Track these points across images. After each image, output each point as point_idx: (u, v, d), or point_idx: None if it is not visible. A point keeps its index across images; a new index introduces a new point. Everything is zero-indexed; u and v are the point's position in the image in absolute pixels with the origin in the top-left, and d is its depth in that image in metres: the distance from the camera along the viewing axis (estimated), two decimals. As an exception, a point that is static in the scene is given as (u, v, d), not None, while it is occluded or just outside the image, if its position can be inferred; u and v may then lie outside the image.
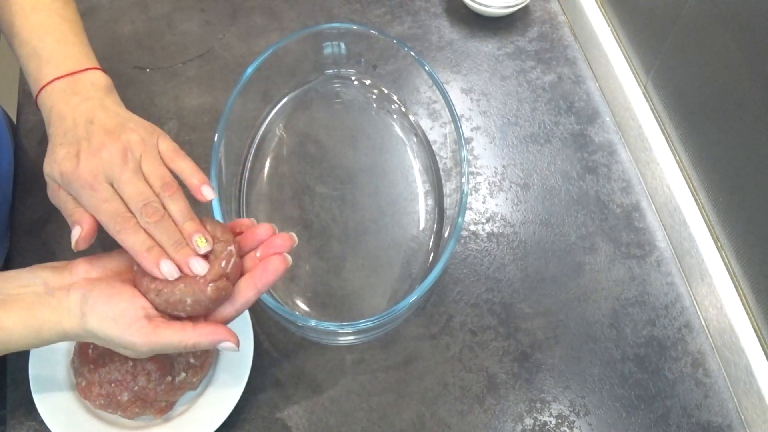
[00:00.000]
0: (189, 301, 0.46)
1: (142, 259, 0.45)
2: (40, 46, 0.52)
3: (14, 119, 0.77)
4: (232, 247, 0.48)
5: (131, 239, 0.45)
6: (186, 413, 0.57)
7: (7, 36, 0.54)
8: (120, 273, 0.48)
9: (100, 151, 0.47)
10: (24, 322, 0.45)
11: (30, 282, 0.46)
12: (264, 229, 0.50)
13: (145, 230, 0.46)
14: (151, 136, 0.50)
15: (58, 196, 0.49)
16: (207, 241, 0.46)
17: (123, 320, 0.44)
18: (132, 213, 0.46)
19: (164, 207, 0.47)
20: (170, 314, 0.46)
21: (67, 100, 0.50)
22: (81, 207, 0.48)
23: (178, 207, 0.47)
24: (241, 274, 0.48)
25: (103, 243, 0.64)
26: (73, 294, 0.45)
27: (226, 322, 0.48)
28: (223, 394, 0.58)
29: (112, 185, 0.47)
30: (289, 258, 0.48)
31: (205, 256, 0.47)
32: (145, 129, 0.50)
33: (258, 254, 0.49)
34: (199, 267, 0.46)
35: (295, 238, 0.50)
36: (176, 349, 0.45)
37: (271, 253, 0.48)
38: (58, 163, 0.47)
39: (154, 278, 0.46)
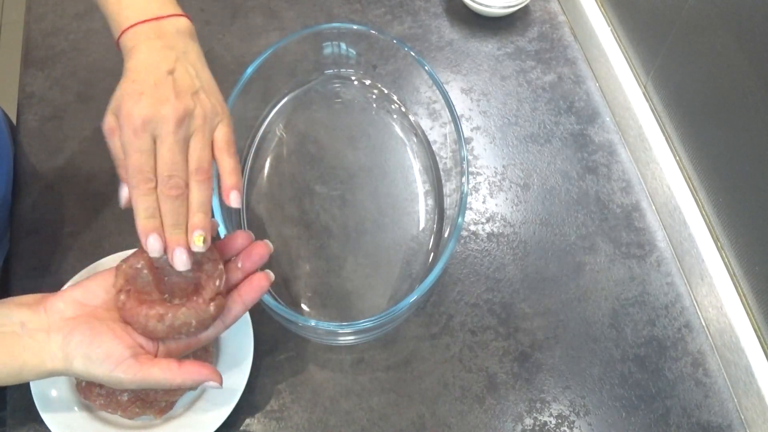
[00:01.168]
0: (194, 322, 0.46)
1: (138, 221, 0.45)
2: None
3: (14, 120, 0.77)
4: (221, 266, 0.48)
5: (140, 199, 0.45)
6: (186, 413, 0.57)
7: None
8: (95, 309, 0.47)
9: (163, 104, 0.46)
10: (4, 364, 0.44)
11: (5, 321, 0.45)
12: (242, 239, 0.51)
13: (157, 198, 0.45)
14: (214, 116, 0.49)
15: (112, 138, 0.47)
16: (205, 243, 0.46)
17: (109, 361, 0.44)
18: (155, 176, 0.45)
19: (188, 189, 0.46)
20: (166, 337, 0.47)
21: (151, 43, 0.49)
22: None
23: (200, 196, 0.46)
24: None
25: (100, 238, 0.64)
26: (53, 337, 0.44)
27: (216, 335, 0.49)
28: (223, 394, 0.58)
29: (155, 141, 0.46)
30: (272, 275, 0.50)
31: (199, 265, 0.47)
32: (213, 106, 0.49)
33: (239, 265, 0.50)
34: (181, 261, 0.45)
35: (271, 246, 0.51)
36: (163, 386, 0.46)
37: (250, 263, 0.50)
38: (121, 96, 0.46)
39: (153, 305, 0.46)
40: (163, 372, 0.45)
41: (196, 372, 0.46)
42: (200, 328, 0.47)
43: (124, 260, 0.48)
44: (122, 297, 0.46)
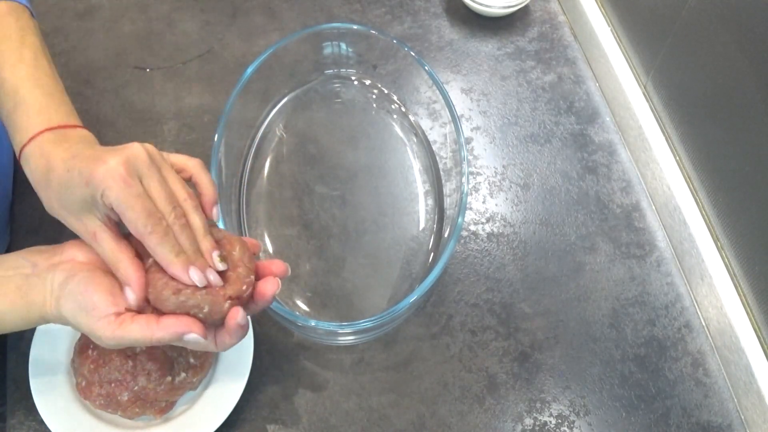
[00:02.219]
0: (206, 308, 0.46)
1: (172, 263, 0.45)
2: (30, 97, 0.51)
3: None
4: (253, 277, 0.48)
5: (162, 241, 0.44)
6: (186, 413, 0.57)
7: None
8: (101, 262, 0.47)
9: (122, 151, 0.45)
10: (12, 304, 0.45)
11: (19, 264, 0.46)
12: (277, 267, 0.50)
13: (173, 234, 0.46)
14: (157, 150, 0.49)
15: (96, 240, 0.46)
16: (223, 257, 0.47)
17: (93, 313, 0.44)
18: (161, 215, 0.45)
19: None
20: (174, 312, 0.46)
21: (60, 146, 0.49)
22: (124, 253, 0.46)
23: (200, 220, 0.47)
24: None
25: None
26: (57, 274, 0.45)
27: (205, 349, 0.49)
28: (223, 394, 0.58)
29: (142, 183, 0.45)
30: (279, 284, 0.49)
31: (222, 274, 0.47)
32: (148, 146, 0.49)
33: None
34: (216, 279, 0.46)
35: (289, 270, 0.51)
36: (142, 343, 0.45)
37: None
38: (85, 172, 0.45)
39: (175, 280, 0.46)
40: (142, 328, 0.44)
41: (174, 324, 0.45)
42: (208, 317, 0.46)
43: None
44: (151, 260, 0.46)
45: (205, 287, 0.46)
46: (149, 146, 0.47)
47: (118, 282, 0.46)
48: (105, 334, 0.44)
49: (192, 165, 0.50)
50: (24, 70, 0.53)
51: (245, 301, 0.48)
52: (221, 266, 0.46)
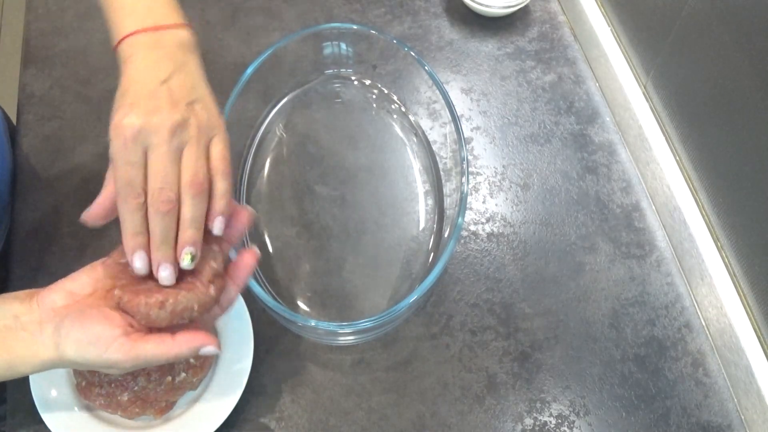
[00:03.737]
0: (196, 306, 0.45)
1: (125, 238, 0.44)
2: None
3: (14, 120, 0.77)
4: (216, 246, 0.47)
5: (128, 215, 0.43)
6: (186, 413, 0.57)
7: None
8: (86, 297, 0.46)
9: (155, 113, 0.43)
10: None
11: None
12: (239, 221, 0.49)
13: (146, 213, 0.44)
14: (210, 129, 0.46)
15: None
16: (194, 259, 0.45)
17: (101, 342, 0.43)
18: (144, 191, 0.44)
19: (179, 202, 0.44)
20: (169, 324, 0.46)
21: (147, 54, 0.47)
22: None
23: (193, 211, 0.45)
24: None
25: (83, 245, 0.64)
26: (45, 328, 0.43)
27: (214, 320, 0.49)
28: (223, 394, 0.58)
29: (146, 153, 0.44)
30: (257, 251, 0.49)
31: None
32: (209, 119, 0.47)
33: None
34: (167, 277, 0.44)
35: (251, 210, 0.49)
36: (159, 361, 0.44)
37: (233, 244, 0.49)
38: (113, 112, 0.44)
39: (151, 293, 0.44)
40: (157, 345, 0.43)
41: (191, 339, 0.44)
42: (203, 311, 0.46)
43: (108, 256, 0.47)
44: (117, 292, 0.45)
45: (184, 287, 0.45)
46: (191, 121, 0.45)
47: (106, 309, 0.44)
48: (121, 357, 0.43)
49: (217, 168, 0.47)
50: None
51: (224, 269, 0.47)
52: (186, 263, 0.45)
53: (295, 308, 0.64)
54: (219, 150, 0.47)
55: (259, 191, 0.69)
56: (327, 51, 0.72)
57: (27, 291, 0.46)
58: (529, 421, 0.61)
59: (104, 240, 0.67)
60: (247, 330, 0.60)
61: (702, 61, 0.65)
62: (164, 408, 0.57)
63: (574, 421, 0.61)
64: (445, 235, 0.64)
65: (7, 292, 0.64)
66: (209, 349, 0.45)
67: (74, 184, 0.70)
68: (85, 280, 0.47)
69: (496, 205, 0.72)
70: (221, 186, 0.46)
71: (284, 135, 0.72)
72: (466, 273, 0.68)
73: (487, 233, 0.70)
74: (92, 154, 0.72)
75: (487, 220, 0.71)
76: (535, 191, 0.73)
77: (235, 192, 0.67)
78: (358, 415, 0.61)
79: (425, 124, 0.73)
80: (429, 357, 0.64)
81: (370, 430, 0.60)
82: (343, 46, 0.72)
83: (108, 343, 0.43)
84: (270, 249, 0.66)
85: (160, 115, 0.44)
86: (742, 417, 0.62)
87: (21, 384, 0.59)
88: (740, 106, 0.60)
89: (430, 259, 0.66)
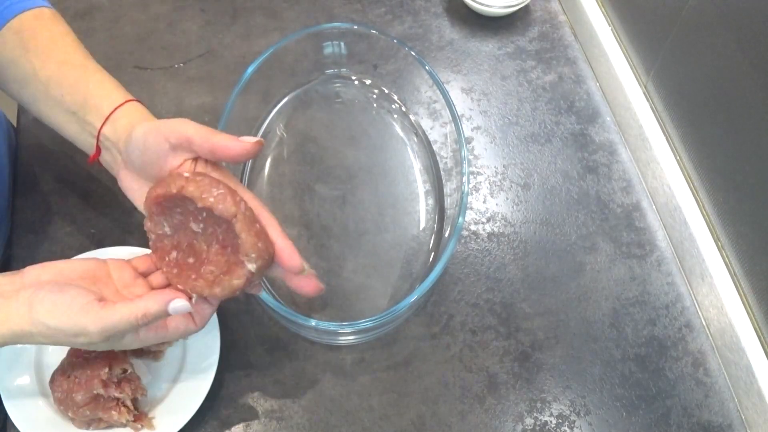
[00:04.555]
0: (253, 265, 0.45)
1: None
2: (105, 76, 0.55)
3: (14, 120, 0.77)
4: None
5: None
6: (158, 407, 0.57)
7: (45, 86, 0.53)
8: (71, 279, 0.47)
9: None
10: None
11: None
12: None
13: None
14: None
15: None
16: None
17: (73, 305, 0.43)
18: None
19: None
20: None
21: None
22: None
23: None
24: None
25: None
26: (22, 294, 0.44)
27: (185, 337, 0.50)
28: (189, 391, 0.58)
29: None
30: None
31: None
32: None
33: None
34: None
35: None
36: (129, 324, 0.44)
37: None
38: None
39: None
40: (126, 306, 0.44)
41: (159, 296, 0.45)
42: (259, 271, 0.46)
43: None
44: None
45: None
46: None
47: (90, 289, 0.45)
48: (89, 321, 0.43)
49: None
50: (83, 55, 0.56)
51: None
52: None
53: (295, 308, 0.64)
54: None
55: (260, 191, 0.69)
56: (327, 51, 0.72)
57: (14, 272, 0.47)
58: (529, 421, 0.61)
59: (104, 240, 0.67)
60: (213, 327, 0.59)
61: (702, 61, 0.65)
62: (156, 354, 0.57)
63: (574, 421, 0.61)
64: (446, 235, 0.64)
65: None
66: (179, 303, 0.45)
67: (74, 184, 0.70)
68: (75, 264, 0.48)
69: (497, 204, 0.72)
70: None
71: (284, 135, 0.72)
72: (467, 273, 0.68)
73: (488, 233, 0.70)
74: (92, 154, 0.72)
75: (488, 220, 0.71)
76: (536, 191, 0.73)
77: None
78: (359, 415, 0.61)
79: (426, 123, 0.73)
80: (429, 357, 0.64)
81: (370, 430, 0.60)
82: (344, 45, 0.72)
83: (81, 307, 0.43)
84: (270, 249, 0.66)
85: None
86: (743, 417, 0.62)
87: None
88: (740, 106, 0.60)
89: (431, 259, 0.66)
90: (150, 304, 0.44)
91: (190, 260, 0.47)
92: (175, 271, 0.48)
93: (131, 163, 0.50)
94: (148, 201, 0.47)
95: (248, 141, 0.46)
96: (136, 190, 0.51)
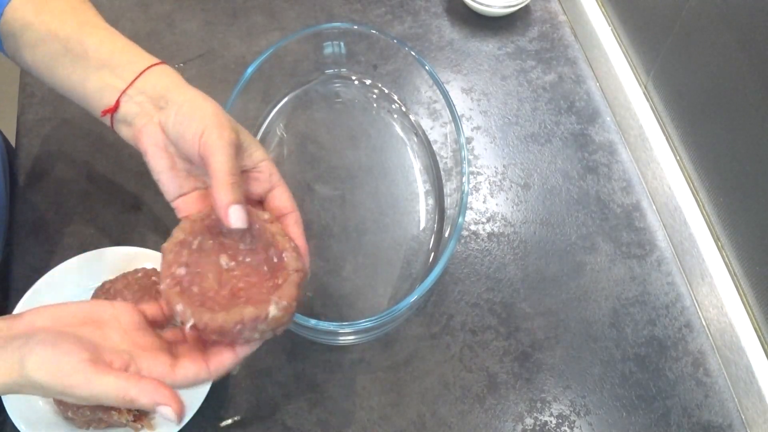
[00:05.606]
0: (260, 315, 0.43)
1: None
2: (130, 41, 0.53)
3: (14, 120, 0.77)
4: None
5: None
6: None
7: (75, 47, 0.51)
8: (71, 324, 0.43)
9: None
10: None
11: None
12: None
13: None
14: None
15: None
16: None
17: (64, 364, 0.39)
18: None
19: None
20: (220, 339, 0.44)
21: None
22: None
23: None
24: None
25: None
26: (13, 342, 0.40)
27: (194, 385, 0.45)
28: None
29: None
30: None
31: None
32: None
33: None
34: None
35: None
36: (114, 400, 0.40)
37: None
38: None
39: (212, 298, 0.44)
40: (118, 382, 0.40)
41: (155, 391, 0.40)
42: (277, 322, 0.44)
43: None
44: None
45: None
46: None
47: (87, 340, 0.41)
48: (77, 382, 0.39)
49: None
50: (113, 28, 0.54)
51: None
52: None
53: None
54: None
55: (260, 191, 0.69)
56: (327, 51, 0.72)
57: (10, 316, 0.44)
58: (529, 421, 0.61)
59: (104, 240, 0.67)
60: None
61: (702, 61, 0.65)
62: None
63: (574, 421, 0.61)
64: (446, 235, 0.64)
65: (7, 292, 0.65)
66: (166, 410, 0.41)
67: (74, 184, 0.70)
68: (77, 308, 0.44)
69: (497, 204, 0.72)
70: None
71: (284, 135, 0.72)
72: (467, 273, 0.68)
73: (488, 233, 0.70)
74: (92, 154, 0.72)
75: (488, 220, 0.71)
76: (536, 191, 0.73)
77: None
78: (359, 415, 0.61)
79: (426, 123, 0.73)
80: (429, 357, 0.64)
81: (370, 430, 0.60)
82: (344, 45, 0.72)
83: (71, 366, 0.39)
84: (270, 249, 0.66)
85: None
86: (743, 417, 0.62)
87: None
88: (740, 106, 0.60)
89: (431, 259, 0.66)
90: (141, 394, 0.40)
91: (206, 285, 0.46)
92: (177, 289, 0.45)
93: (172, 127, 0.49)
94: (197, 225, 0.47)
95: (234, 218, 0.46)
96: (158, 149, 0.50)
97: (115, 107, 0.51)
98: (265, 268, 0.46)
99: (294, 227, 0.51)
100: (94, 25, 0.53)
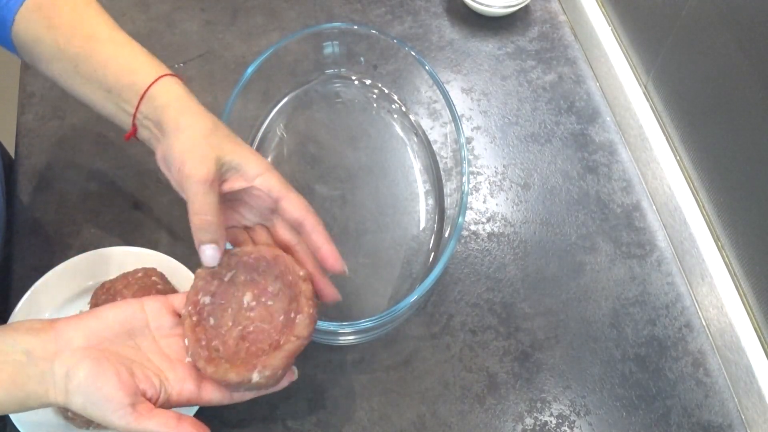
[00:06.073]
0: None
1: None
2: (135, 49, 0.53)
3: (14, 121, 0.76)
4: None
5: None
6: None
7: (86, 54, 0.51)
8: (106, 340, 0.46)
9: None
10: (8, 393, 0.42)
11: (10, 349, 0.43)
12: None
13: None
14: None
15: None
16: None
17: (108, 406, 0.43)
18: None
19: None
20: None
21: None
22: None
23: None
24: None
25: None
26: (57, 367, 0.43)
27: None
28: None
29: None
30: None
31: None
32: None
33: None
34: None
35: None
36: None
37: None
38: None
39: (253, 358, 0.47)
40: (159, 426, 0.44)
41: (194, 430, 0.45)
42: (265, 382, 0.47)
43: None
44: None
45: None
46: None
47: (122, 368, 0.44)
48: (120, 425, 0.43)
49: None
50: (121, 30, 0.54)
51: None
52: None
53: (296, 308, 0.64)
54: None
55: (260, 191, 0.69)
56: (327, 51, 0.72)
57: (42, 321, 0.46)
58: (529, 421, 0.61)
59: (104, 240, 0.67)
60: None
61: (702, 61, 0.65)
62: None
63: (574, 421, 0.61)
64: (446, 235, 0.64)
65: (8, 291, 0.65)
66: None
67: (75, 184, 0.70)
68: (110, 319, 0.47)
69: (497, 204, 0.72)
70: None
71: (285, 135, 0.72)
72: (467, 273, 0.68)
73: (488, 233, 0.70)
74: (92, 154, 0.72)
75: (488, 220, 0.71)
76: (536, 191, 0.73)
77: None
78: (359, 415, 0.61)
79: (426, 123, 0.73)
80: (429, 357, 0.64)
81: (370, 430, 0.60)
82: (344, 45, 0.72)
83: (115, 409, 0.43)
84: (270, 249, 0.66)
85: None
86: (743, 417, 0.62)
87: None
88: (740, 106, 0.60)
89: (431, 259, 0.66)
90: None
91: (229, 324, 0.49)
92: (195, 318, 0.48)
93: (165, 158, 0.49)
94: (234, 259, 0.49)
95: (204, 257, 0.48)
96: (168, 174, 0.50)
97: (133, 131, 0.52)
98: (282, 318, 0.48)
99: (314, 234, 0.51)
100: (99, 39, 0.52)
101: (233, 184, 0.49)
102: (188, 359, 0.47)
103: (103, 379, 0.43)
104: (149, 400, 0.45)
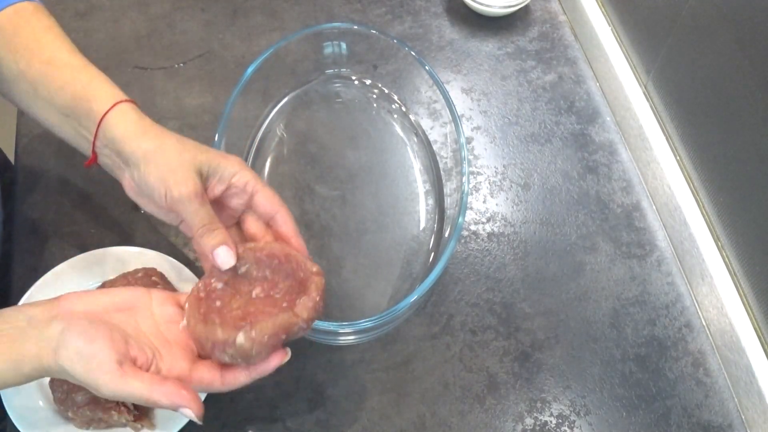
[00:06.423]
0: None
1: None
2: (92, 74, 0.53)
3: (14, 121, 0.76)
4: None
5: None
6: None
7: (41, 78, 0.52)
8: (107, 311, 0.46)
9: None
10: (4, 357, 0.42)
11: (13, 318, 0.44)
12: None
13: None
14: None
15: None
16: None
17: (93, 361, 0.42)
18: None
19: None
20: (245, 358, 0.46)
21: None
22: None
23: None
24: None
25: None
26: (54, 325, 0.43)
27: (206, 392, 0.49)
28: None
29: None
30: (289, 352, 0.50)
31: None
32: None
33: None
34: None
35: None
36: (138, 400, 0.43)
37: None
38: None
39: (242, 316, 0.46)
40: (142, 385, 0.43)
41: (176, 394, 0.44)
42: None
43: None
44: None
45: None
46: None
47: (116, 333, 0.44)
48: (103, 382, 0.42)
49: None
50: (79, 55, 0.55)
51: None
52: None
53: (296, 308, 0.64)
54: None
55: (260, 191, 0.69)
56: (327, 51, 0.72)
57: (50, 299, 0.46)
58: (529, 421, 0.61)
59: (104, 240, 0.67)
60: None
61: (702, 61, 0.65)
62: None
63: (574, 421, 0.61)
64: (446, 235, 0.64)
65: (8, 291, 0.65)
66: (187, 411, 0.44)
67: (74, 184, 0.70)
68: (115, 295, 0.48)
69: (497, 204, 0.72)
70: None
71: (284, 135, 0.72)
72: (467, 273, 0.68)
73: (488, 233, 0.70)
74: (92, 154, 0.72)
75: (488, 220, 0.71)
76: (536, 191, 0.73)
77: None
78: (359, 415, 0.61)
79: (426, 123, 0.73)
80: (429, 357, 0.64)
81: (370, 430, 0.60)
82: (344, 45, 0.72)
83: (101, 364, 0.42)
84: (270, 249, 0.66)
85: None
86: (743, 417, 0.62)
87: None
88: (740, 106, 0.60)
89: (431, 259, 0.66)
90: (163, 397, 0.43)
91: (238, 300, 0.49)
92: (201, 294, 0.48)
93: (140, 187, 0.50)
94: (250, 253, 0.50)
95: (221, 259, 0.49)
96: (146, 201, 0.51)
97: (94, 158, 0.52)
98: (285, 304, 0.48)
99: (284, 227, 0.52)
100: (57, 64, 0.52)
101: (214, 190, 0.50)
102: (183, 323, 0.47)
103: (95, 335, 0.43)
104: (139, 367, 0.45)
